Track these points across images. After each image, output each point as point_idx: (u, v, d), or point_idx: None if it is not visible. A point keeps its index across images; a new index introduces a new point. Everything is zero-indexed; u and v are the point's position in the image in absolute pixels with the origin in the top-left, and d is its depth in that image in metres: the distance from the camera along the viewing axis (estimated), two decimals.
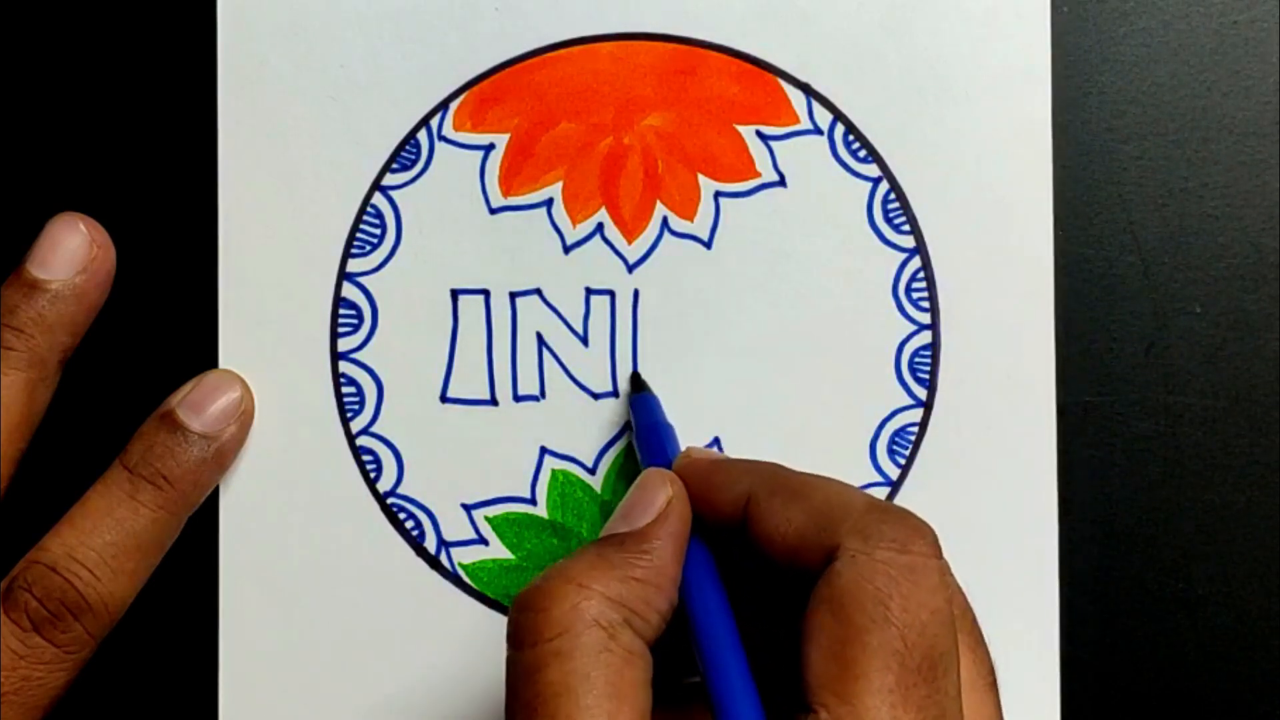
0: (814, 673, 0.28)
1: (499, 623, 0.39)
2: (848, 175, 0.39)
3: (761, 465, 0.33)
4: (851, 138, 0.39)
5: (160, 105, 0.39)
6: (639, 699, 0.29)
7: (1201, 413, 0.40)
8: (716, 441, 0.39)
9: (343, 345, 0.39)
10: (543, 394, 0.39)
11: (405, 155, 0.39)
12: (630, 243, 0.39)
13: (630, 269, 0.39)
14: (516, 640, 0.29)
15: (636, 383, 0.39)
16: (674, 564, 0.31)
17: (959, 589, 0.32)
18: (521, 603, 0.30)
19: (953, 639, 0.29)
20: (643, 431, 0.37)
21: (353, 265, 0.39)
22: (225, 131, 0.39)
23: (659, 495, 0.32)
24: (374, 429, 0.39)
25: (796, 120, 0.39)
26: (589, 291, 0.39)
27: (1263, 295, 0.40)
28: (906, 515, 0.30)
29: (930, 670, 0.28)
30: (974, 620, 0.34)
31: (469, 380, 0.39)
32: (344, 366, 0.39)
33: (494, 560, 0.39)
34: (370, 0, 0.39)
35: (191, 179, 0.39)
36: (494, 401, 0.39)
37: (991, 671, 0.33)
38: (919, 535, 0.30)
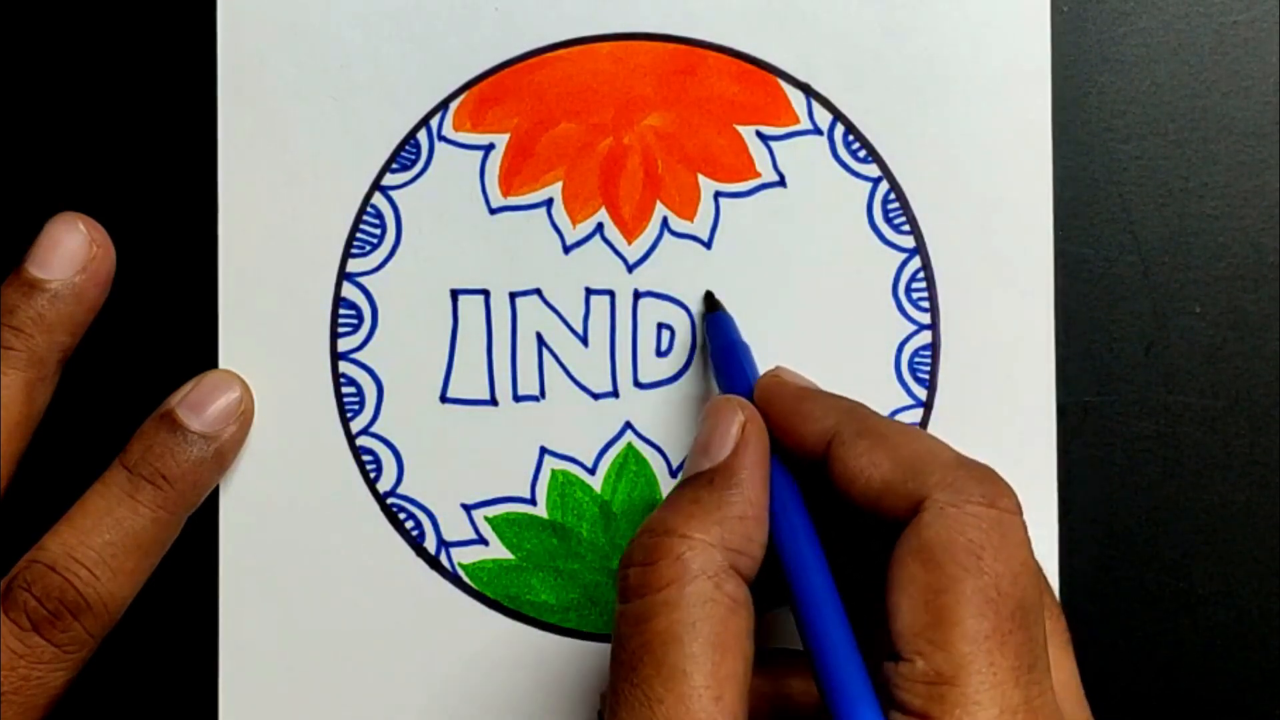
0: (905, 622, 0.28)
1: (499, 623, 0.39)
2: (848, 175, 0.39)
3: (848, 403, 0.33)
4: (851, 138, 0.39)
5: (160, 105, 0.39)
6: (743, 648, 0.29)
7: (1201, 413, 0.40)
8: None
9: (343, 345, 0.39)
10: (543, 394, 0.39)
11: (405, 155, 0.39)
12: (630, 243, 0.39)
13: (630, 269, 0.39)
14: (625, 593, 0.30)
15: (710, 301, 0.39)
16: (763, 490, 0.32)
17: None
18: (629, 558, 0.30)
19: (1039, 592, 0.29)
20: (720, 352, 0.37)
21: (353, 265, 0.39)
22: (225, 131, 0.39)
23: (733, 423, 0.32)
24: (374, 429, 0.39)
25: (796, 120, 0.39)
26: (589, 291, 0.39)
27: (1263, 295, 0.40)
28: (992, 472, 0.30)
29: (1023, 618, 0.28)
30: (1048, 583, 0.34)
31: (469, 380, 0.39)
32: (344, 366, 0.39)
33: (494, 560, 0.39)
34: (370, 0, 0.39)
35: (191, 179, 0.39)
36: (494, 401, 0.39)
37: (1067, 630, 0.33)
38: (1005, 493, 0.30)
